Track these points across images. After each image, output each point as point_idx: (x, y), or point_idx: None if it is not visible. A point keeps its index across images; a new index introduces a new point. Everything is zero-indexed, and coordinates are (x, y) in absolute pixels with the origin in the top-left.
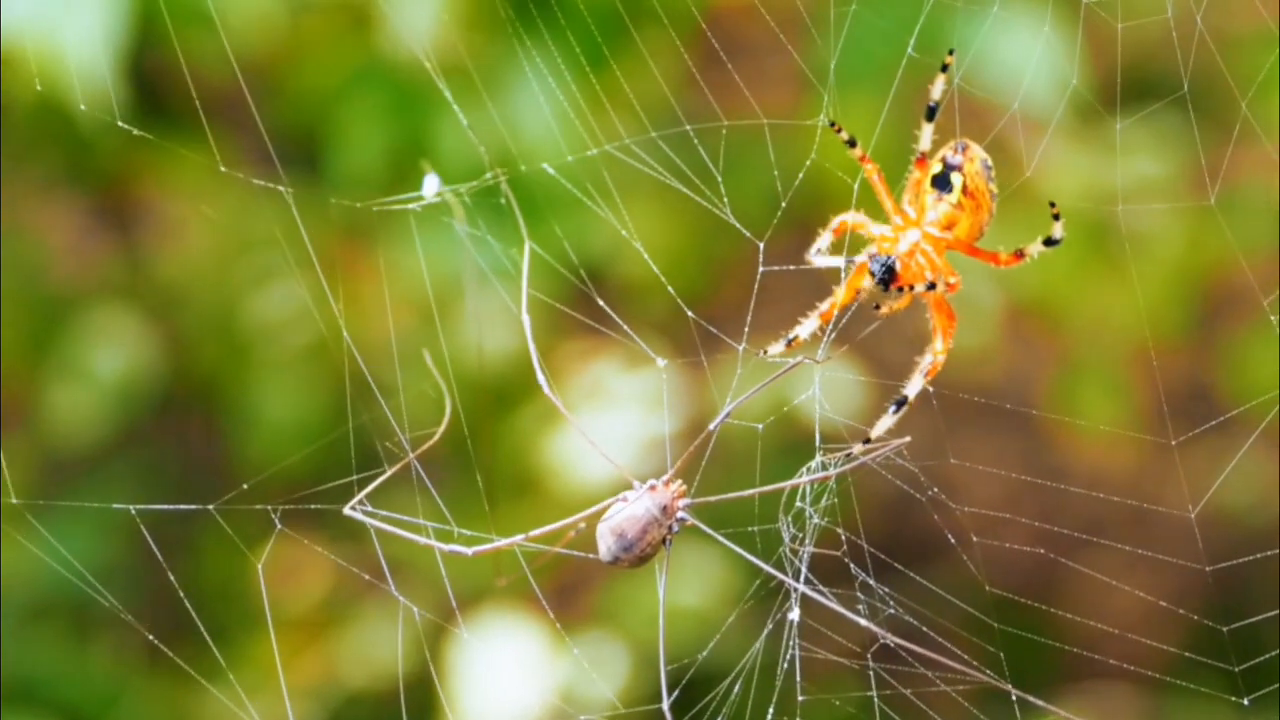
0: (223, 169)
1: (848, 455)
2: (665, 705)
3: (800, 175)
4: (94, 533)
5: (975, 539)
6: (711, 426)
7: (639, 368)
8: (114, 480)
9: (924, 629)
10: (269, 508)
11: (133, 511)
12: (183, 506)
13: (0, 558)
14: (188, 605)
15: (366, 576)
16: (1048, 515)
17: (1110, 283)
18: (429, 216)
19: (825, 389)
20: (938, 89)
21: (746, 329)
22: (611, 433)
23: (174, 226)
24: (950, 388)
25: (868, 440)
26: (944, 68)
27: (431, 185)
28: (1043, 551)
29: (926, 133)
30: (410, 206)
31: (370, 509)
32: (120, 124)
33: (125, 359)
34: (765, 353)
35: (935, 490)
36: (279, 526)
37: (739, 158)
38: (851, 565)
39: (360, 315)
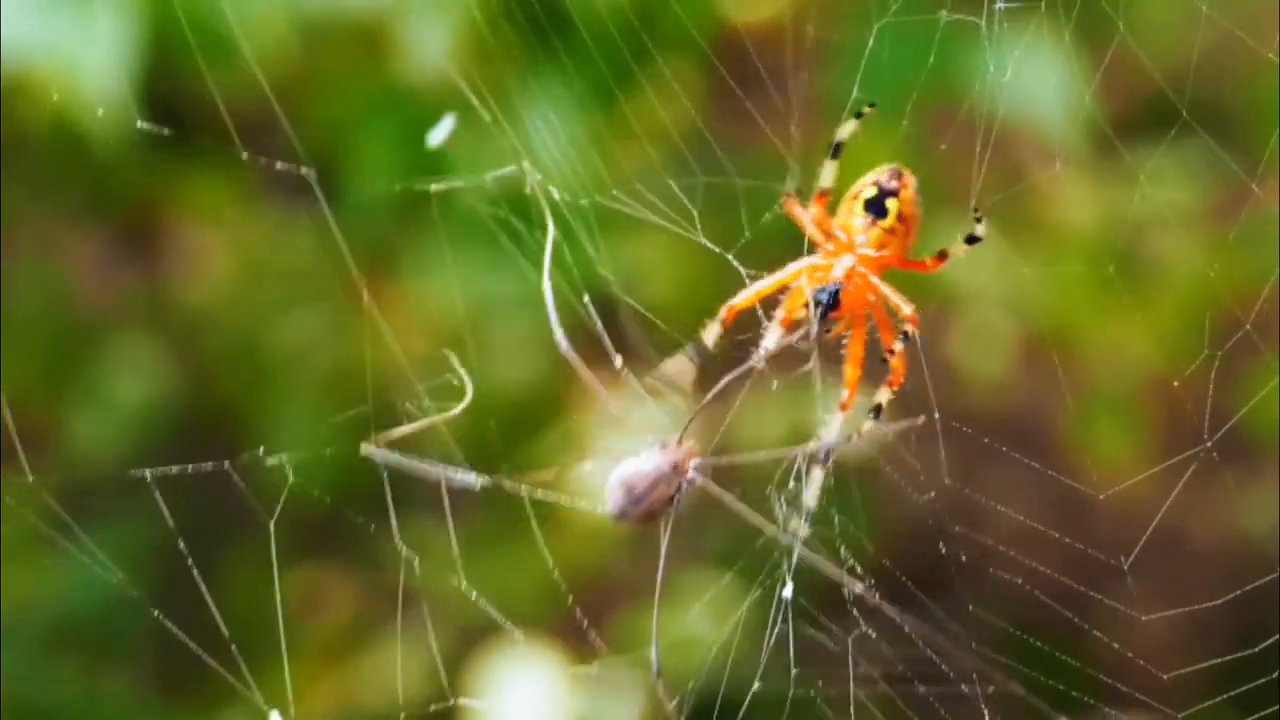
0: (245, 162)
1: (856, 431)
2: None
3: (767, 214)
4: (113, 558)
5: (991, 569)
6: (708, 399)
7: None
8: (134, 507)
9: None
10: (282, 458)
11: (148, 477)
12: (198, 464)
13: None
14: (220, 624)
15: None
16: (1071, 544)
17: (1128, 311)
18: (455, 237)
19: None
20: (846, 130)
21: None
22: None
23: (196, 253)
24: (967, 417)
25: (877, 411)
26: (859, 114)
27: (442, 131)
28: (1068, 580)
29: (828, 170)
30: (434, 188)
31: (386, 451)
32: (136, 149)
33: (147, 386)
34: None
35: (948, 522)
36: (290, 480)
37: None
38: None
39: (384, 341)
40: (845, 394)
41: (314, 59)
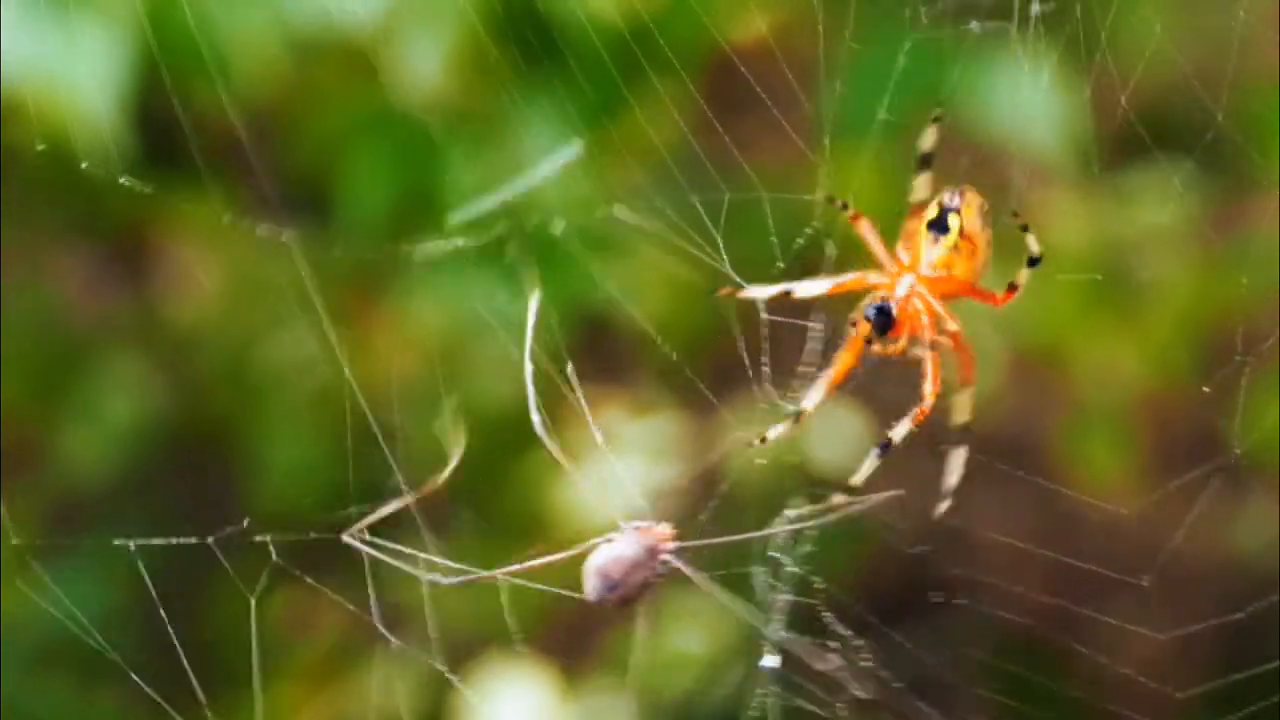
0: (226, 220)
1: (829, 506)
2: None
3: (800, 240)
4: (101, 578)
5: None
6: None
7: (646, 416)
8: (124, 525)
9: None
10: (267, 539)
11: (132, 547)
12: (180, 540)
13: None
14: (225, 648)
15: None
16: (1059, 563)
17: (1117, 329)
18: (439, 263)
19: (816, 432)
20: (928, 139)
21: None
22: (618, 480)
23: (185, 273)
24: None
25: (850, 490)
26: (935, 119)
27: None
28: (1057, 601)
29: (921, 181)
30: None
31: (366, 538)
32: (124, 177)
33: (136, 404)
34: (764, 441)
35: (924, 547)
36: (274, 557)
37: (743, 212)
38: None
39: (371, 362)
40: (928, 387)
41: (306, 79)
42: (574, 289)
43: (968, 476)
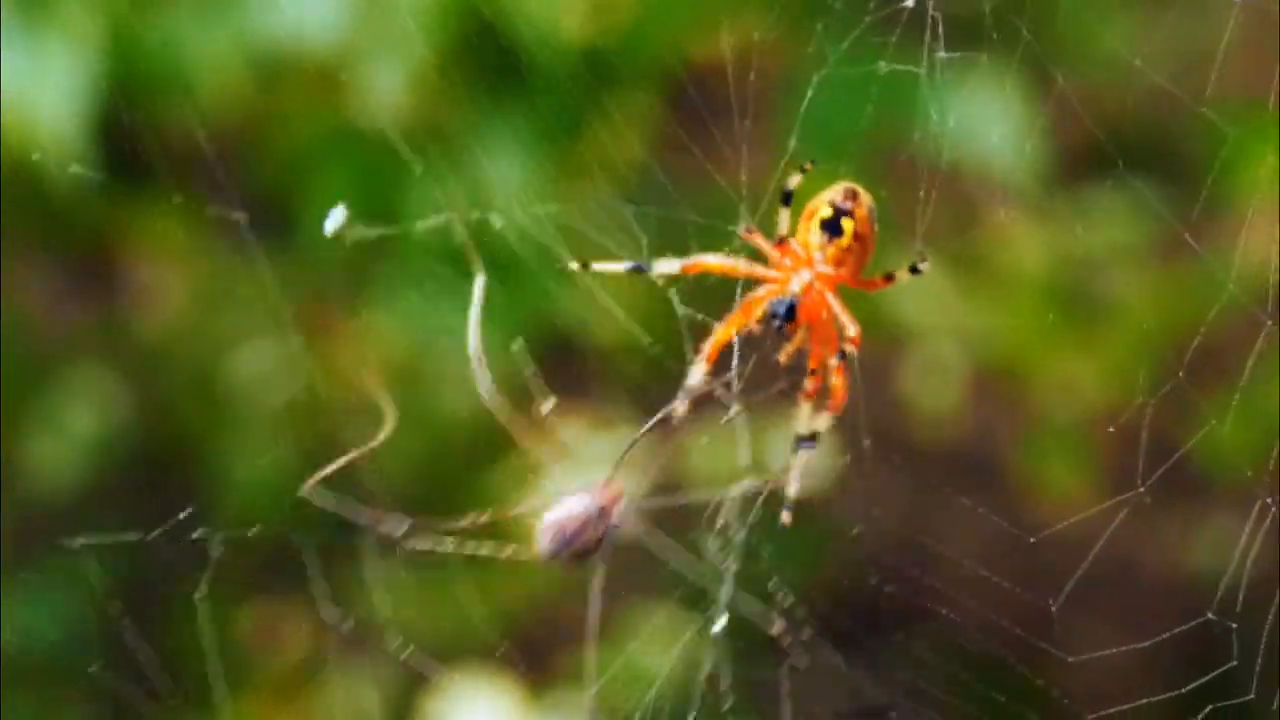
0: (177, 201)
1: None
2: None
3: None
4: (66, 592)
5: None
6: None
7: (610, 430)
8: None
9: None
10: (202, 532)
11: (77, 545)
12: (122, 536)
13: None
14: (199, 661)
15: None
16: (1025, 576)
17: (1078, 346)
18: (406, 276)
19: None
20: (794, 181)
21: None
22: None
23: (151, 287)
24: (917, 450)
25: (812, 439)
26: (802, 169)
27: (334, 220)
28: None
29: (784, 218)
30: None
31: (323, 493)
32: (90, 190)
33: (101, 417)
34: (674, 416)
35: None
36: (214, 555)
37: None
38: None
39: (334, 375)
40: (808, 384)
41: (270, 97)
42: (530, 303)
43: (926, 494)
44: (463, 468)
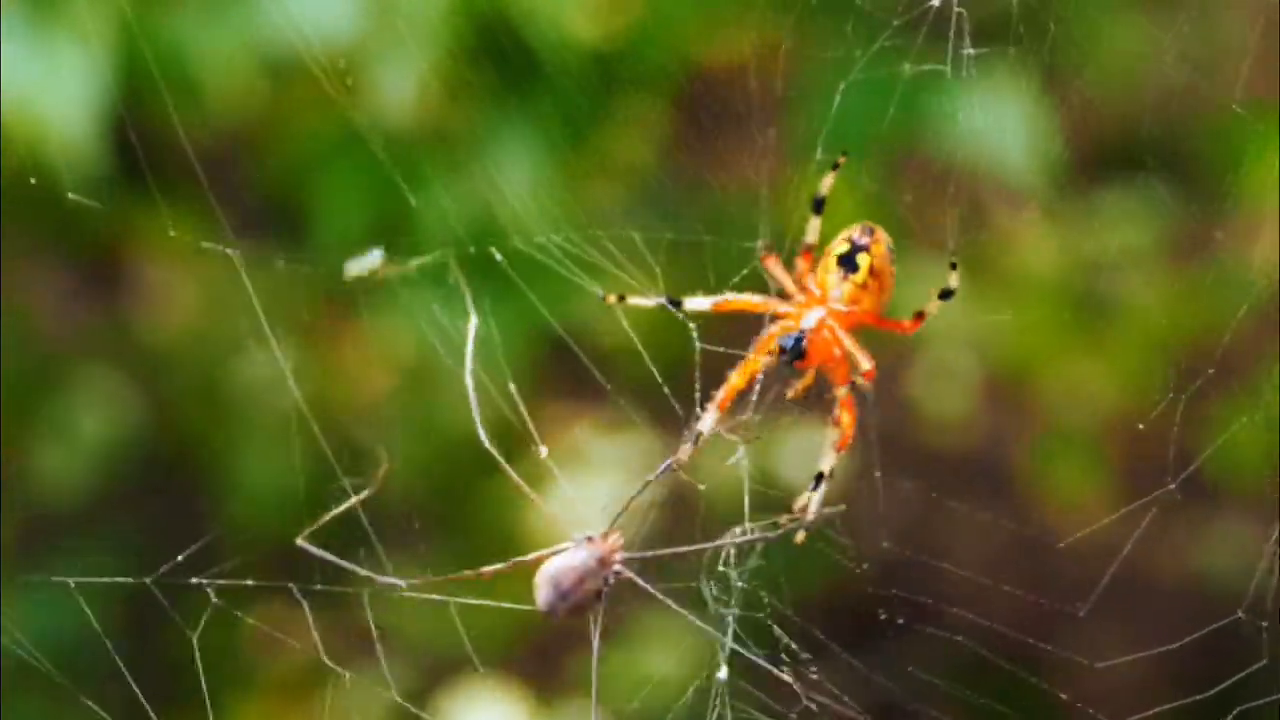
0: (172, 233)
1: (774, 524)
2: None
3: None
4: (73, 599)
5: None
6: (635, 494)
7: (619, 432)
8: (96, 545)
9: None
10: (202, 581)
11: (71, 585)
12: (119, 580)
13: None
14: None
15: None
16: (1034, 582)
17: (1089, 349)
18: (411, 283)
19: (757, 455)
20: (826, 184)
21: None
22: (589, 497)
23: (160, 291)
24: (927, 456)
25: (818, 480)
26: (835, 166)
27: (365, 263)
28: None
29: (813, 226)
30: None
31: (318, 550)
32: (98, 192)
33: (109, 422)
34: (678, 461)
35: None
36: (214, 600)
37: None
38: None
39: (343, 380)
40: (846, 416)
41: (280, 101)
42: (532, 313)
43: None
44: (470, 473)
